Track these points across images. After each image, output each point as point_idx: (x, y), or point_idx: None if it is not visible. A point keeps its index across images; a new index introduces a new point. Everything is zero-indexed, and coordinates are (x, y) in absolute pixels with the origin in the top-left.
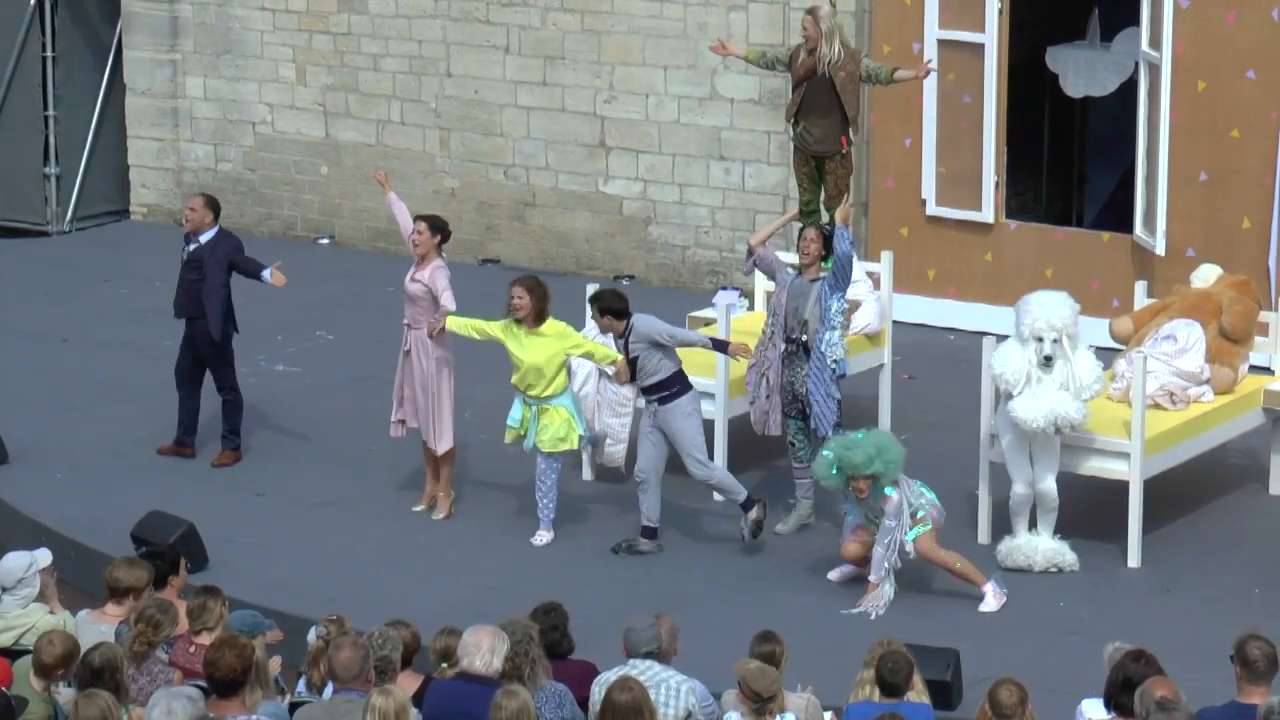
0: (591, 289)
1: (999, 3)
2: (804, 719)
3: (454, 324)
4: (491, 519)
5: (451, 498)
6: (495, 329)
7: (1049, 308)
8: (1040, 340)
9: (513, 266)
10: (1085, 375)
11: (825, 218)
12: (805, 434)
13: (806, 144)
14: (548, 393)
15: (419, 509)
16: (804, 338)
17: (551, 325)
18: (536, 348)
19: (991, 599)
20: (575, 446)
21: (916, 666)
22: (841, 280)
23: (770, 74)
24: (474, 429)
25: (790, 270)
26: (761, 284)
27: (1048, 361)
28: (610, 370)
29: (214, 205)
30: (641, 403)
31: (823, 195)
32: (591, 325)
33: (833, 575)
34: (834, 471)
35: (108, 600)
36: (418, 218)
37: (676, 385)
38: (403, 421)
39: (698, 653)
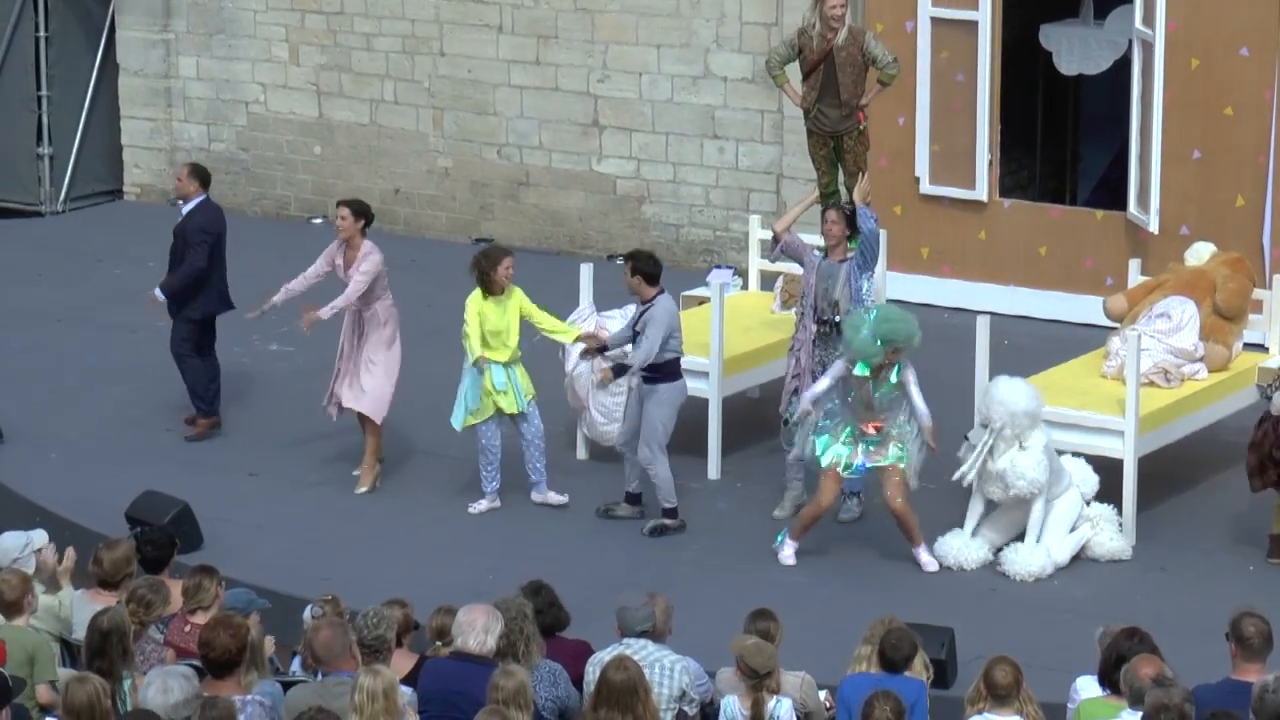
0: (585, 268)
1: None
2: (799, 697)
3: (474, 344)
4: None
5: (376, 470)
6: (473, 315)
7: (1002, 399)
8: (985, 428)
9: (507, 246)
10: (1025, 468)
11: (845, 197)
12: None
13: (824, 126)
14: (518, 354)
15: (359, 474)
16: (836, 318)
17: (515, 290)
18: (509, 310)
19: (926, 556)
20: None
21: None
22: (870, 259)
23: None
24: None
25: (817, 252)
26: (755, 263)
27: (992, 451)
28: (580, 350)
29: (199, 174)
30: (634, 381)
31: (841, 175)
32: (586, 308)
33: (788, 558)
34: (879, 345)
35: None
36: (340, 202)
37: (664, 372)
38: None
39: (692, 632)
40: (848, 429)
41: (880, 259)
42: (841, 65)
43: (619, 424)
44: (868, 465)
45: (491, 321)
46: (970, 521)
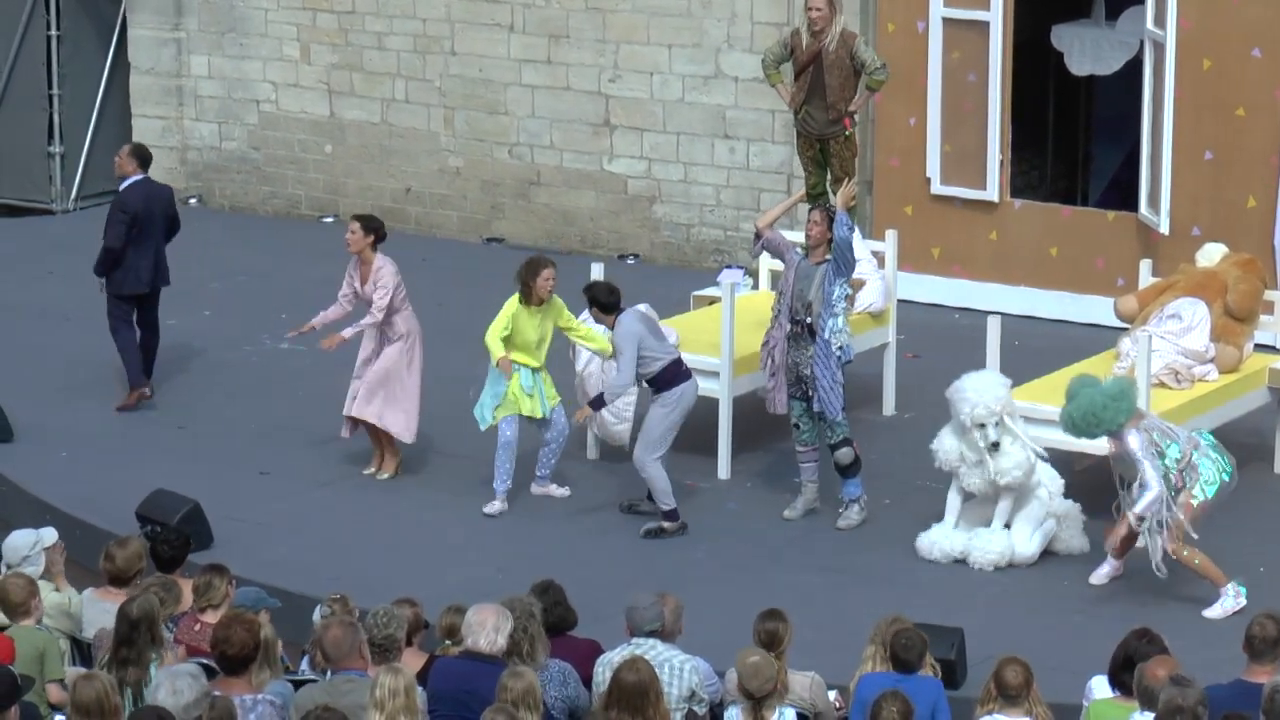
0: (596, 268)
1: None
2: (808, 697)
3: (493, 345)
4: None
5: (399, 458)
6: (507, 319)
7: (983, 392)
8: (983, 427)
9: (517, 245)
10: (1016, 457)
11: (832, 200)
12: (809, 416)
13: (810, 128)
14: (543, 361)
15: (369, 472)
16: (808, 319)
17: (556, 301)
18: (546, 320)
19: (1220, 606)
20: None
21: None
22: (843, 266)
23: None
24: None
25: (799, 250)
26: (766, 263)
27: (995, 447)
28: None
29: (138, 153)
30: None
31: (828, 178)
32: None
33: (1094, 579)
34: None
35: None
36: (353, 217)
37: (663, 379)
38: (356, 423)
39: (702, 632)
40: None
41: (890, 259)
42: (829, 68)
43: (629, 424)
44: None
45: (525, 332)
46: (950, 515)
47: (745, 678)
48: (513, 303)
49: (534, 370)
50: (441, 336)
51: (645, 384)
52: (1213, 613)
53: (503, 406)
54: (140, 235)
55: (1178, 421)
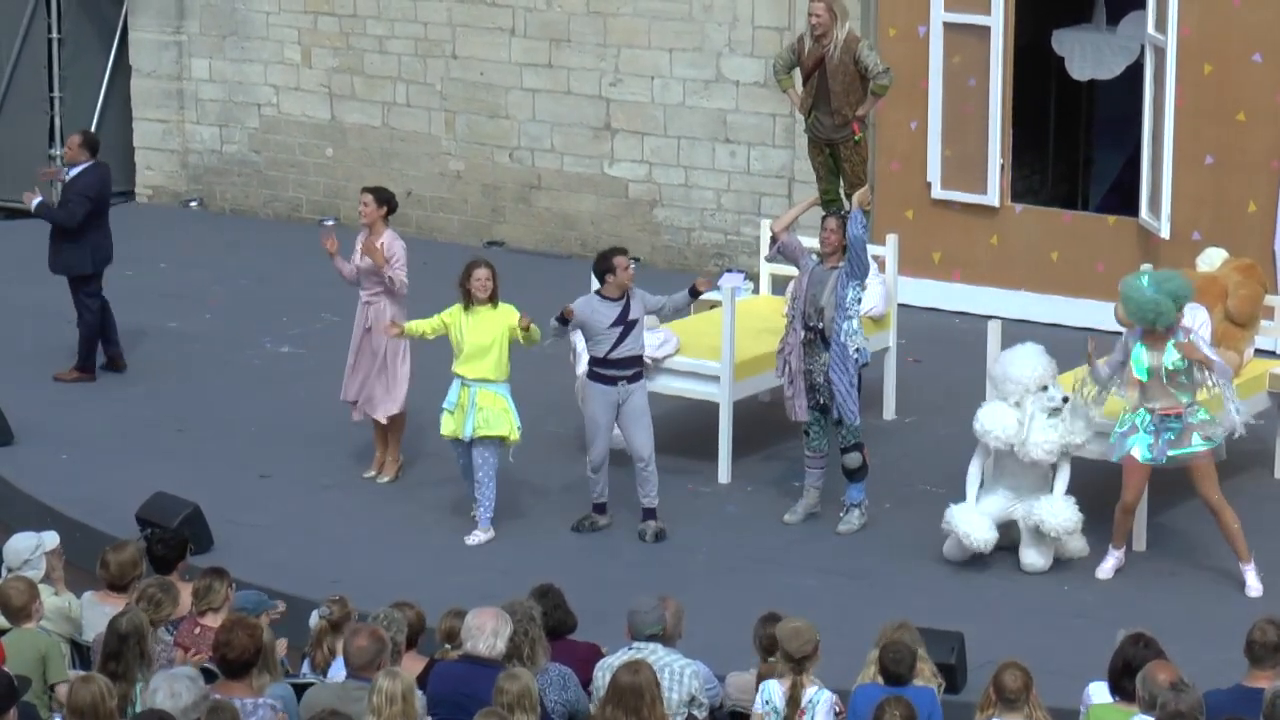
0: None
1: None
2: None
3: (412, 328)
4: (496, 502)
5: (399, 462)
6: (445, 317)
7: (1034, 359)
8: (1046, 389)
9: (518, 249)
10: (1077, 422)
11: (848, 206)
12: (821, 424)
13: (819, 133)
14: (491, 375)
15: (369, 475)
16: (820, 325)
17: (502, 306)
18: (486, 325)
19: (1252, 579)
20: (514, 438)
21: (923, 649)
22: (858, 268)
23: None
24: None
25: (814, 256)
26: (766, 267)
27: (1066, 401)
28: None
29: (89, 142)
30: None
31: (842, 185)
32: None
33: (1100, 573)
34: (1171, 302)
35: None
36: (363, 190)
37: (641, 364)
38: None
39: (702, 635)
40: (1145, 415)
41: (891, 263)
42: (833, 73)
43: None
44: (1169, 454)
45: (465, 336)
46: (971, 490)
47: (785, 639)
48: (455, 308)
49: (465, 384)
50: (442, 341)
51: (630, 371)
52: (1253, 591)
53: (444, 422)
54: (98, 218)
55: None
